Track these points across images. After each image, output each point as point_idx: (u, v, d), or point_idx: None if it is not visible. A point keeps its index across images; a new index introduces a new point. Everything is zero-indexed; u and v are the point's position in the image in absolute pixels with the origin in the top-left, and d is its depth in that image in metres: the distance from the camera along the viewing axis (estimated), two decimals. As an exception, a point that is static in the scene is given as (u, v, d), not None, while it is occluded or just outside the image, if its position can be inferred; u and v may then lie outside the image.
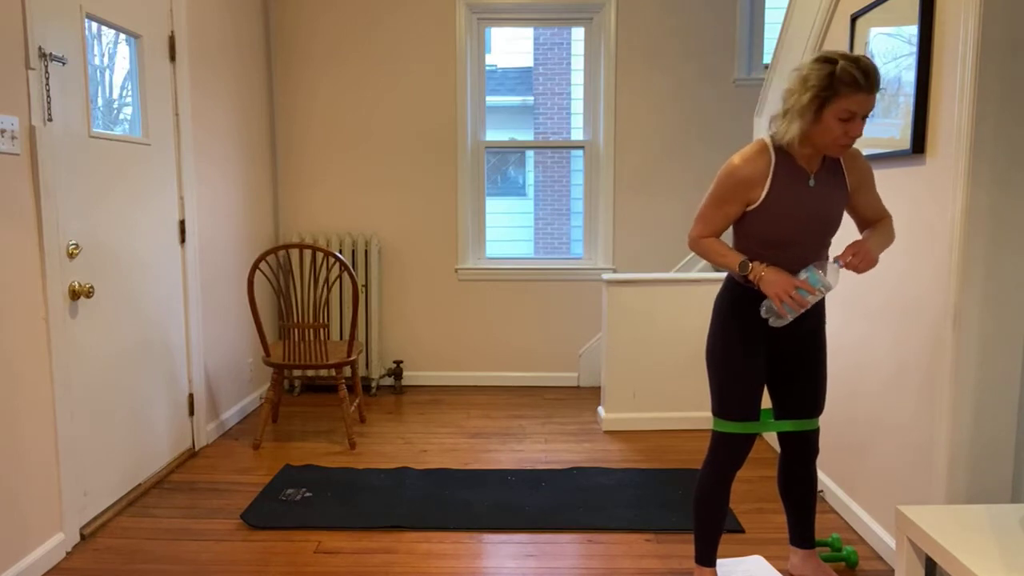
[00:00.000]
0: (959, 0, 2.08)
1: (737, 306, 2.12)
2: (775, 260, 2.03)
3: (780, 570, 2.43)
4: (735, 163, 2.02)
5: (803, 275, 1.99)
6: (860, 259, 1.97)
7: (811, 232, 2.04)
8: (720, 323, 2.15)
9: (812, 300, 1.98)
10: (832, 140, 1.91)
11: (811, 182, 2.02)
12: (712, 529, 2.24)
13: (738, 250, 2.11)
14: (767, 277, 1.99)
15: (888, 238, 2.12)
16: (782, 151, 2.02)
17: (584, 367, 4.73)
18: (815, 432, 2.25)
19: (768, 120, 2.07)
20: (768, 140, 2.04)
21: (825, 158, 2.04)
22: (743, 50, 4.60)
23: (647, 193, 4.66)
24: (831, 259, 2.04)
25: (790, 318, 2.01)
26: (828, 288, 1.98)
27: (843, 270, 2.00)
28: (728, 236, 2.16)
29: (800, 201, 2.01)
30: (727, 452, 2.16)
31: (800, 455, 2.27)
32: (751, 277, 2.02)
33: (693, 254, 4.65)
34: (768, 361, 2.19)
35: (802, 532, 2.36)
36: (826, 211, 2.04)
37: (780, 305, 1.96)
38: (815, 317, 2.17)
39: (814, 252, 2.07)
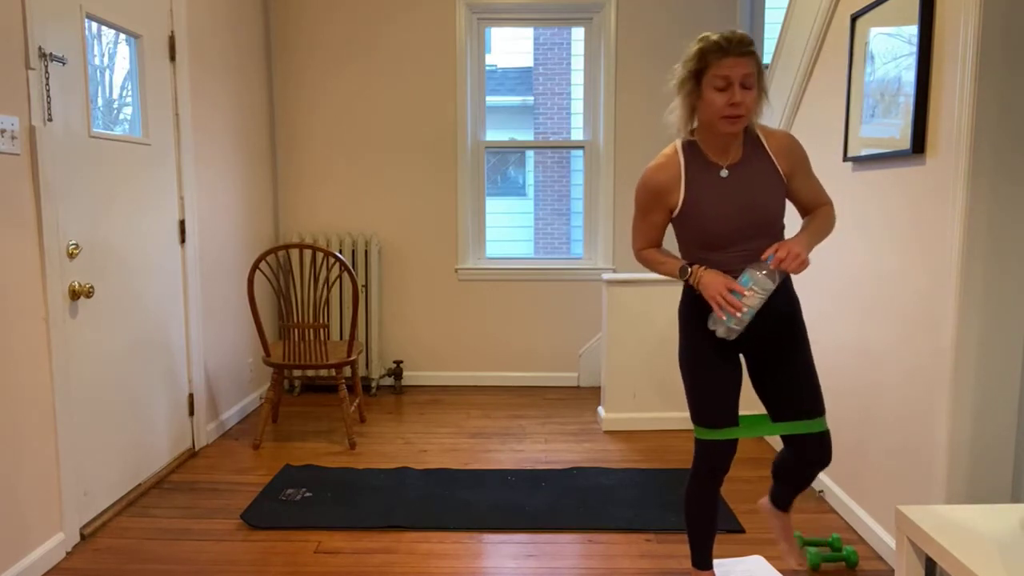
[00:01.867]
0: (959, 0, 2.08)
1: (694, 309, 2.05)
2: (720, 263, 1.96)
3: (780, 570, 2.43)
4: (646, 172, 2.00)
5: (741, 278, 1.89)
6: (787, 258, 1.84)
7: (744, 226, 1.94)
8: (683, 329, 2.09)
9: (750, 303, 1.87)
10: (716, 113, 1.85)
11: (723, 172, 1.95)
12: (703, 533, 2.18)
13: (684, 257, 2.05)
14: (703, 280, 1.93)
15: (821, 230, 2.01)
16: (692, 148, 1.97)
17: (584, 367, 4.73)
18: (822, 436, 2.04)
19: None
20: (677, 142, 2.00)
21: (745, 145, 1.97)
22: (743, 50, 4.59)
23: (647, 193, 4.65)
24: (766, 258, 1.90)
25: (735, 326, 1.90)
26: (764, 289, 1.87)
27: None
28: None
29: (720, 195, 1.94)
30: (707, 458, 2.08)
31: (807, 460, 2.08)
32: (692, 282, 1.98)
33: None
34: (747, 360, 2.10)
35: (784, 503, 2.27)
36: (752, 201, 1.94)
37: (718, 309, 1.89)
38: (785, 300, 2.02)
39: (761, 247, 1.94)
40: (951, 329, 2.12)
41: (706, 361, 2.04)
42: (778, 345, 2.04)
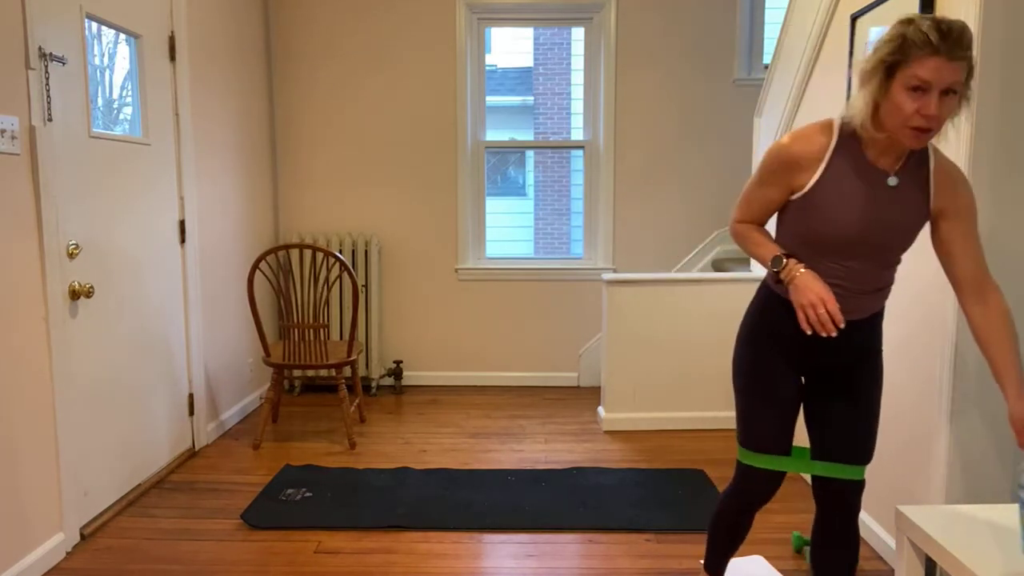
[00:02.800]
0: (959, 0, 2.08)
1: (767, 315, 1.82)
2: (828, 274, 1.70)
3: (780, 570, 2.43)
4: (784, 139, 1.69)
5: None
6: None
7: (870, 244, 1.66)
8: (747, 335, 1.86)
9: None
10: (902, 121, 1.51)
11: (892, 180, 1.63)
12: (726, 548, 2.04)
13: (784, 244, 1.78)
14: (799, 280, 1.63)
15: (1014, 349, 1.60)
16: (851, 137, 1.65)
17: (584, 367, 4.73)
18: (857, 486, 1.81)
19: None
20: (837, 120, 1.68)
21: (908, 161, 1.65)
22: (743, 50, 4.60)
23: (647, 193, 4.66)
24: None
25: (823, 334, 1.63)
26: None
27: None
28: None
29: (863, 200, 1.64)
30: (749, 486, 1.88)
31: (836, 511, 1.83)
32: (783, 276, 1.67)
33: (694, 253, 4.66)
34: (807, 385, 1.86)
35: None
36: (897, 222, 1.64)
37: (803, 320, 1.61)
38: (870, 334, 1.78)
39: (870, 273, 1.69)
40: (951, 328, 2.12)
41: (771, 385, 1.81)
42: (849, 379, 1.79)
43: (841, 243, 1.66)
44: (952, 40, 1.45)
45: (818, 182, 1.65)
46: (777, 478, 1.86)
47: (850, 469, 1.79)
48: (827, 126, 1.68)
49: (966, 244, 1.64)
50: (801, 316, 1.62)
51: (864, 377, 1.79)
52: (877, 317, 1.79)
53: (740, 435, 1.88)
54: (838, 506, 1.83)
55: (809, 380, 1.85)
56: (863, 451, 1.79)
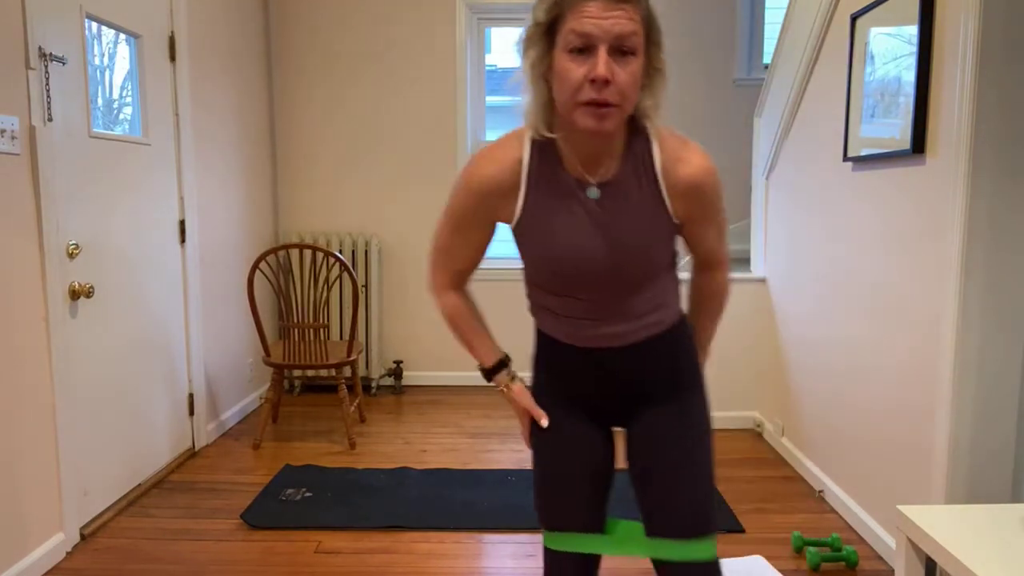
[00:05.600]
0: (959, 0, 2.08)
1: (548, 358, 1.45)
2: (566, 310, 1.36)
3: (780, 570, 2.43)
4: (473, 162, 1.32)
5: None
6: None
7: (596, 273, 1.30)
8: (532, 385, 1.49)
9: None
10: (571, 95, 1.16)
11: (591, 192, 1.27)
12: None
13: (529, 293, 1.44)
14: (508, 396, 1.46)
15: (714, 324, 1.51)
16: (545, 149, 1.28)
17: (584, 367, 4.72)
18: (705, 568, 1.36)
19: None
20: (526, 133, 1.30)
21: (625, 163, 1.27)
22: (743, 50, 4.60)
23: (647, 193, 4.65)
24: None
25: None
26: None
27: None
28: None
29: (567, 222, 1.28)
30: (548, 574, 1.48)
31: None
32: (499, 390, 1.46)
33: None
34: (627, 438, 1.46)
35: None
36: (619, 241, 1.28)
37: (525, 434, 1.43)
38: (671, 365, 1.41)
39: (619, 302, 1.33)
40: (951, 328, 2.12)
41: (560, 434, 1.43)
42: (655, 426, 1.40)
43: (560, 280, 1.32)
44: None
45: (523, 210, 1.30)
46: (585, 565, 1.45)
47: (687, 547, 1.35)
48: (518, 135, 1.30)
49: (709, 234, 1.38)
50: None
51: (674, 421, 1.39)
52: (672, 346, 1.41)
53: (537, 510, 1.49)
54: None
55: (627, 431, 1.46)
56: (693, 518, 1.35)
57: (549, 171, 1.29)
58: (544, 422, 1.42)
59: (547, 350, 1.45)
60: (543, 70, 1.21)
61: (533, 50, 1.20)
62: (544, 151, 1.29)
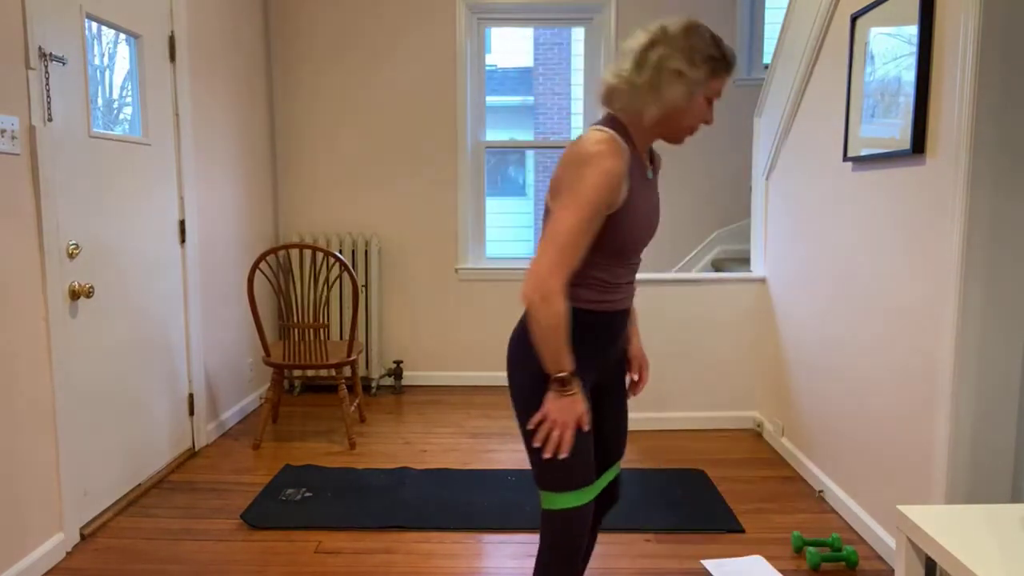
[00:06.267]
0: (959, 0, 2.08)
1: (580, 338, 1.61)
2: (626, 275, 1.65)
3: (780, 570, 2.43)
4: (601, 155, 1.48)
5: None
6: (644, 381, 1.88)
7: (652, 234, 1.70)
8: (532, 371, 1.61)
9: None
10: (694, 123, 1.60)
11: (649, 173, 1.66)
12: None
13: (589, 268, 1.58)
14: (573, 400, 1.52)
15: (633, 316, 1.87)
16: (624, 133, 1.60)
17: (584, 367, 4.72)
18: (618, 475, 1.87)
19: (606, 92, 1.63)
20: (607, 127, 1.58)
21: (652, 153, 1.73)
22: (743, 50, 4.60)
23: (647, 193, 4.66)
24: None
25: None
26: None
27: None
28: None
29: (647, 196, 1.63)
30: (581, 529, 1.64)
31: (609, 507, 1.89)
32: (568, 390, 1.51)
33: (694, 253, 4.66)
34: (596, 398, 1.78)
35: None
36: (658, 207, 1.71)
37: (544, 432, 1.52)
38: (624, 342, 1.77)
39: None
40: (951, 329, 2.12)
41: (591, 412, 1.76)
42: (614, 388, 1.79)
43: (641, 245, 1.64)
44: (734, 61, 1.61)
45: (629, 193, 1.54)
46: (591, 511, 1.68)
47: (617, 466, 1.85)
48: (602, 130, 1.54)
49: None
50: (544, 428, 1.51)
51: (622, 382, 1.83)
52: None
53: (562, 479, 1.59)
54: (613, 501, 1.87)
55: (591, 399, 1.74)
56: (625, 445, 1.86)
57: (632, 160, 1.58)
58: (586, 428, 1.58)
59: (586, 325, 1.61)
60: (683, 102, 1.55)
61: (695, 87, 1.55)
62: (625, 143, 1.56)
